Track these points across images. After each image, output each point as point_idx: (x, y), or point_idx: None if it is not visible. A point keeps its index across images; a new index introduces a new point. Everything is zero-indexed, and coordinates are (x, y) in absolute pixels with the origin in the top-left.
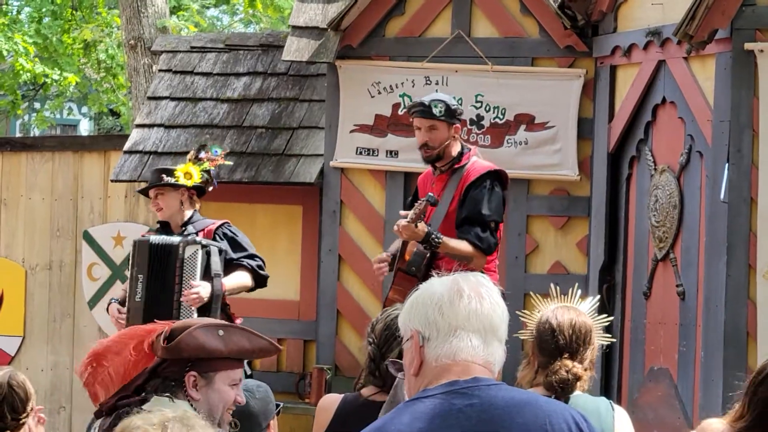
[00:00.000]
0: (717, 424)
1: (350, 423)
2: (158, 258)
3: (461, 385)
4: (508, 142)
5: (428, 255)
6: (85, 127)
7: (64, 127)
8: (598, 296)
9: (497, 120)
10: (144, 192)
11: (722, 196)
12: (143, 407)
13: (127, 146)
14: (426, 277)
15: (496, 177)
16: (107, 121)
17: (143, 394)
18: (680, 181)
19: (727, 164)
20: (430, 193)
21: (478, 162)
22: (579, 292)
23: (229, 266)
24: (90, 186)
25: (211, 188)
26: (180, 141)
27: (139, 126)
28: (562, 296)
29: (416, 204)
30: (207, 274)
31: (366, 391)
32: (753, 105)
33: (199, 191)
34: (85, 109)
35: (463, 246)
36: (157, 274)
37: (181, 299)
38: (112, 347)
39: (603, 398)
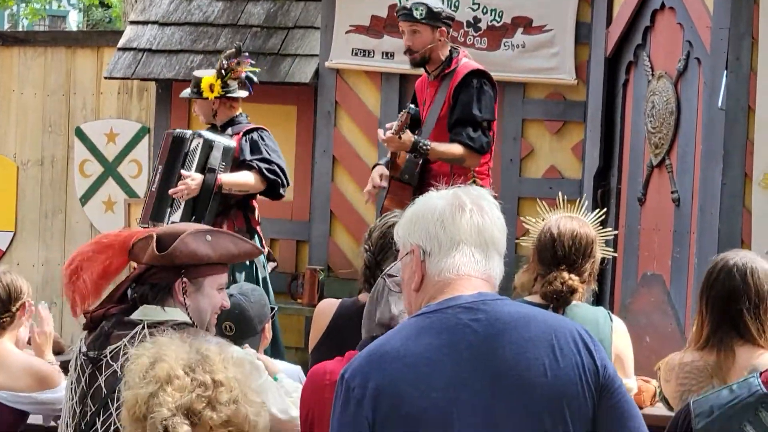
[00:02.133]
0: (676, 356)
1: (347, 328)
2: (173, 150)
3: (466, 299)
4: (504, 45)
5: (420, 162)
6: (74, 19)
7: (53, 18)
8: (605, 209)
9: (494, 22)
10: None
11: (720, 103)
12: (133, 317)
13: (121, 43)
14: (421, 183)
15: (483, 76)
16: (97, 12)
17: (130, 301)
18: (677, 87)
19: (725, 71)
20: (411, 105)
21: (466, 63)
22: (586, 203)
23: (242, 167)
24: (83, 82)
25: (245, 94)
26: (174, 39)
27: (133, 23)
28: (569, 205)
29: (399, 115)
30: (205, 169)
31: (363, 297)
32: (753, 12)
33: (230, 97)
34: (74, 1)
35: (454, 149)
36: (170, 165)
37: (170, 191)
38: (88, 255)
39: (601, 308)
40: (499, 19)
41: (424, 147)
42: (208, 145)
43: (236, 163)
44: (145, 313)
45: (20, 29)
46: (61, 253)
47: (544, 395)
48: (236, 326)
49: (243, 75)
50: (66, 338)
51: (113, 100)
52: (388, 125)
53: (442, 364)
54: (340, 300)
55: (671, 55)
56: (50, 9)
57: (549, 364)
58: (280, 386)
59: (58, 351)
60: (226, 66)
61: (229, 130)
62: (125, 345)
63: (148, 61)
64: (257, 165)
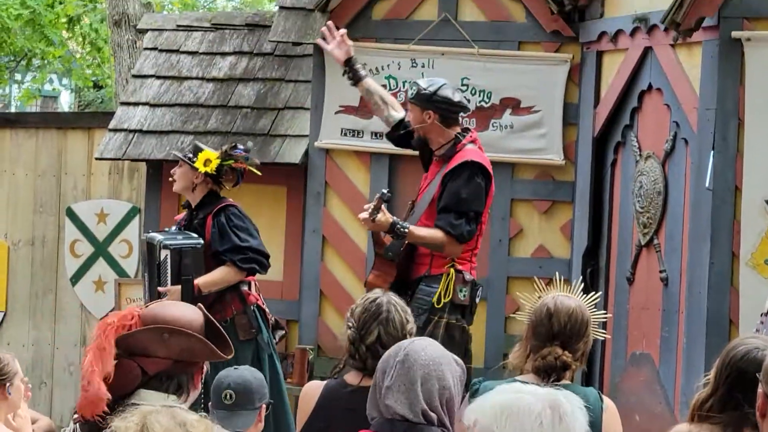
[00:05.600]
0: (684, 426)
1: (335, 410)
2: (150, 257)
3: None
4: (493, 126)
5: (405, 241)
6: (66, 100)
7: (45, 99)
8: (600, 293)
9: (483, 104)
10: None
11: (707, 183)
12: (131, 400)
13: (112, 124)
14: (407, 260)
15: (477, 167)
16: (88, 93)
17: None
18: (665, 167)
19: (712, 152)
20: (383, 190)
21: (465, 151)
22: (582, 285)
23: (216, 258)
24: (74, 162)
25: (231, 185)
26: (165, 120)
27: (124, 104)
28: (565, 285)
29: (375, 198)
30: (180, 278)
31: (350, 378)
32: (739, 93)
33: (215, 180)
34: (66, 81)
35: (434, 234)
36: (150, 273)
37: None
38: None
39: (591, 389)
40: (487, 100)
41: (402, 229)
42: (177, 254)
43: (210, 252)
44: (143, 397)
45: (12, 109)
46: (52, 333)
47: None
48: (237, 396)
49: (242, 169)
50: (56, 419)
51: (104, 181)
52: (366, 206)
53: None
54: (325, 381)
55: (659, 135)
56: (43, 90)
57: None
58: None
59: None
60: (233, 154)
61: (201, 214)
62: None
63: (139, 142)
64: (230, 258)
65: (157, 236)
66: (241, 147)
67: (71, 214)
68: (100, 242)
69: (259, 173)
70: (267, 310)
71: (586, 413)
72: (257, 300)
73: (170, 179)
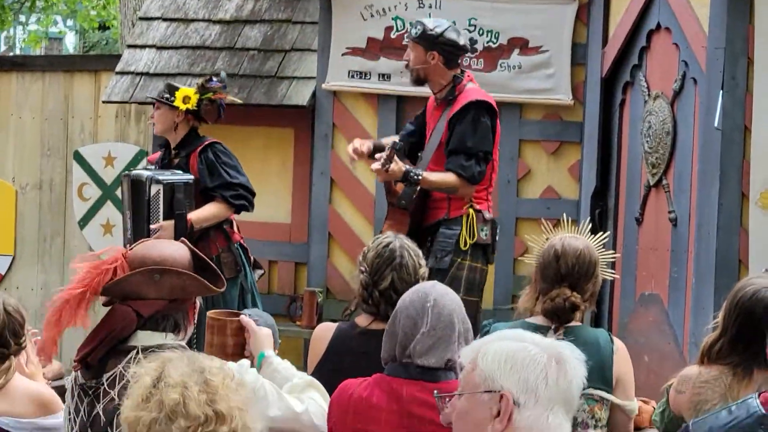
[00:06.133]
0: (694, 367)
1: (346, 352)
2: (135, 195)
3: None
4: (501, 66)
5: (418, 188)
6: (70, 41)
7: (50, 41)
8: (609, 233)
9: (491, 44)
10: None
11: (716, 123)
12: (128, 343)
13: (119, 67)
14: (422, 208)
15: (482, 107)
16: (93, 35)
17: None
18: (674, 107)
19: (721, 91)
20: (395, 140)
21: (468, 91)
22: (590, 226)
23: (205, 195)
24: (80, 106)
25: (212, 119)
26: (172, 62)
27: (130, 47)
28: (572, 226)
29: (386, 148)
30: (172, 213)
31: (361, 320)
32: (748, 32)
33: (197, 116)
34: (71, 23)
35: (446, 177)
36: (137, 210)
37: None
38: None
39: (602, 330)
40: (495, 41)
41: (415, 176)
42: (170, 189)
43: (199, 190)
44: (140, 338)
45: (17, 52)
46: (60, 276)
47: None
48: None
49: (221, 100)
50: (66, 363)
51: (111, 124)
52: (377, 155)
53: None
54: (336, 324)
55: (667, 75)
56: (46, 31)
57: None
58: (273, 368)
59: (58, 377)
60: (210, 86)
61: (183, 152)
62: (121, 371)
63: (146, 85)
64: (221, 195)
65: (145, 173)
66: (215, 78)
67: (78, 157)
68: (107, 185)
69: (239, 102)
70: (248, 249)
71: (585, 366)
72: (240, 239)
73: (149, 123)
